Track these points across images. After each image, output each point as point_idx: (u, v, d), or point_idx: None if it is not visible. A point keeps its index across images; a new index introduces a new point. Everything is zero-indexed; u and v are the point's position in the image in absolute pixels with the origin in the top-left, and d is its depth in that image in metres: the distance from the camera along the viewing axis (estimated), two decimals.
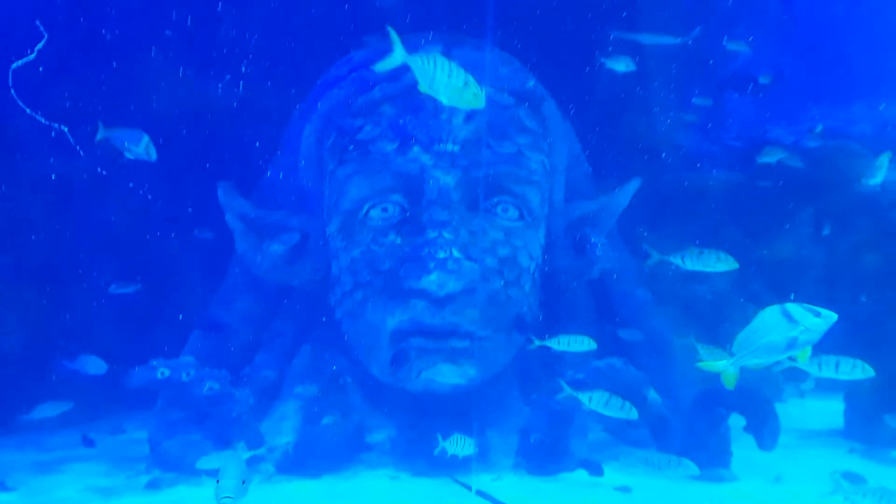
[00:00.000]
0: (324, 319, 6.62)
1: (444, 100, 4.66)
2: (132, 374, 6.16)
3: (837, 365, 5.18)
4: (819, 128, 7.71)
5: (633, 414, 5.60)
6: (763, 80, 7.61)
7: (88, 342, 6.70)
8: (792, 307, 3.88)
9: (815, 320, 3.84)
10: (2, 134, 6.98)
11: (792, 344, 3.91)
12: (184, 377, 6.14)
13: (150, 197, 7.39)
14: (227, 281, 7.10)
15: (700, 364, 4.37)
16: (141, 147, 5.52)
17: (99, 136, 5.54)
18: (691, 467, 5.65)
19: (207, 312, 6.98)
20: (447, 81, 4.54)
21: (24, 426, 6.87)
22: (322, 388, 6.33)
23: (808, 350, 4.04)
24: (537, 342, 6.03)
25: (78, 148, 6.77)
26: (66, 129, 6.64)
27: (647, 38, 7.24)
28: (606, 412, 5.63)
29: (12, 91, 6.45)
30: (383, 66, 4.67)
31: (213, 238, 7.04)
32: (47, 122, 6.57)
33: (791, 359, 5.09)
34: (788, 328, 3.87)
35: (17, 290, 7.31)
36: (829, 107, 8.54)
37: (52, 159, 7.11)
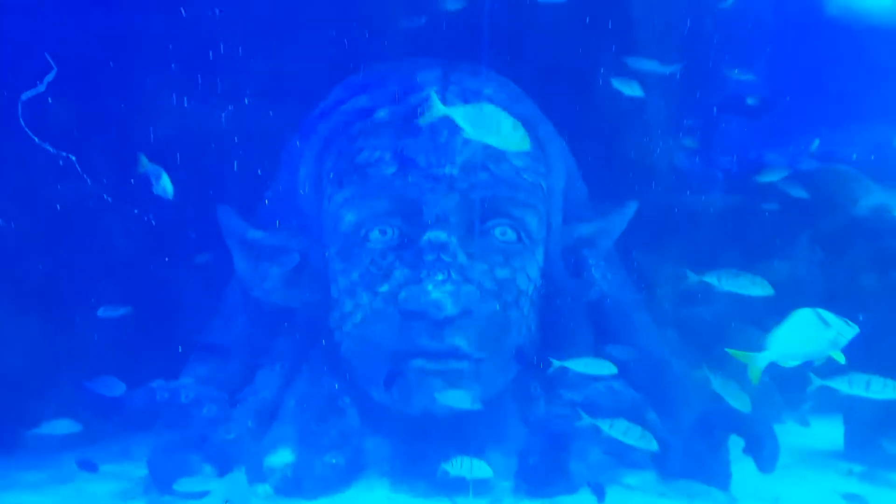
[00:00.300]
0: (323, 341, 6.63)
1: (494, 143, 4.88)
2: (131, 396, 6.20)
3: (868, 383, 5.15)
4: (815, 143, 7.77)
5: (653, 445, 5.57)
6: (750, 101, 7.69)
7: (90, 364, 6.73)
8: (825, 312, 4.17)
9: (846, 326, 4.16)
10: (6, 157, 7.09)
11: (822, 346, 4.23)
12: (182, 399, 6.17)
13: (153, 222, 7.46)
14: (226, 303, 7.11)
15: (732, 352, 4.50)
16: (164, 183, 5.82)
17: (140, 170, 5.86)
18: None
19: (206, 334, 7.00)
20: (496, 126, 4.66)
21: (27, 446, 6.87)
22: (321, 410, 6.34)
23: (842, 356, 4.42)
24: (556, 363, 6.03)
25: (85, 176, 6.90)
26: (73, 158, 6.77)
27: (643, 64, 7.32)
28: (626, 440, 5.62)
29: (21, 121, 6.56)
30: (425, 120, 5.17)
31: (214, 261, 7.08)
32: (55, 151, 6.69)
33: (814, 374, 5.22)
34: (821, 331, 4.16)
35: (20, 313, 7.36)
36: (823, 130, 8.61)
37: (58, 185, 7.23)
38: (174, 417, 6.26)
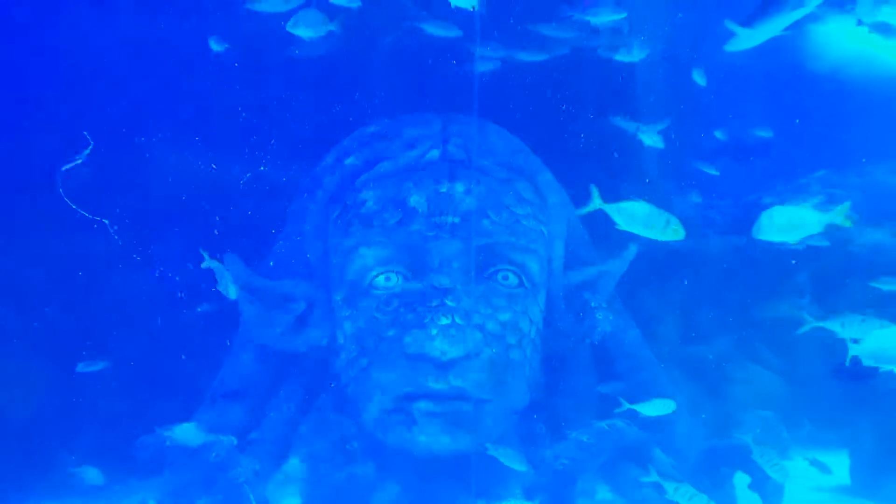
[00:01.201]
0: (331, 385, 6.75)
1: (648, 235, 5.34)
2: (141, 443, 6.30)
3: None
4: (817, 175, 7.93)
5: None
6: (718, 134, 7.87)
7: (98, 411, 6.87)
8: None
9: None
10: (28, 210, 7.40)
11: None
12: (192, 444, 6.26)
13: (168, 273, 7.70)
14: (234, 349, 7.26)
15: (826, 324, 5.46)
16: (227, 283, 6.30)
17: (204, 265, 6.35)
18: None
19: (215, 380, 7.12)
20: (648, 221, 5.10)
21: (45, 493, 6.97)
22: (329, 453, 6.41)
23: None
24: (626, 405, 6.18)
25: (116, 236, 7.19)
26: (106, 222, 7.07)
27: (636, 128, 7.56)
28: None
29: (61, 190, 6.86)
30: (581, 212, 5.63)
31: (221, 308, 7.26)
32: (91, 216, 6.99)
33: None
34: None
35: (42, 362, 7.56)
36: (818, 173, 8.79)
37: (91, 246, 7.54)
38: (183, 462, 6.36)
